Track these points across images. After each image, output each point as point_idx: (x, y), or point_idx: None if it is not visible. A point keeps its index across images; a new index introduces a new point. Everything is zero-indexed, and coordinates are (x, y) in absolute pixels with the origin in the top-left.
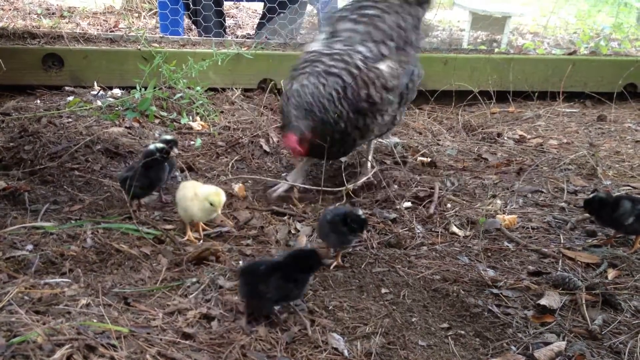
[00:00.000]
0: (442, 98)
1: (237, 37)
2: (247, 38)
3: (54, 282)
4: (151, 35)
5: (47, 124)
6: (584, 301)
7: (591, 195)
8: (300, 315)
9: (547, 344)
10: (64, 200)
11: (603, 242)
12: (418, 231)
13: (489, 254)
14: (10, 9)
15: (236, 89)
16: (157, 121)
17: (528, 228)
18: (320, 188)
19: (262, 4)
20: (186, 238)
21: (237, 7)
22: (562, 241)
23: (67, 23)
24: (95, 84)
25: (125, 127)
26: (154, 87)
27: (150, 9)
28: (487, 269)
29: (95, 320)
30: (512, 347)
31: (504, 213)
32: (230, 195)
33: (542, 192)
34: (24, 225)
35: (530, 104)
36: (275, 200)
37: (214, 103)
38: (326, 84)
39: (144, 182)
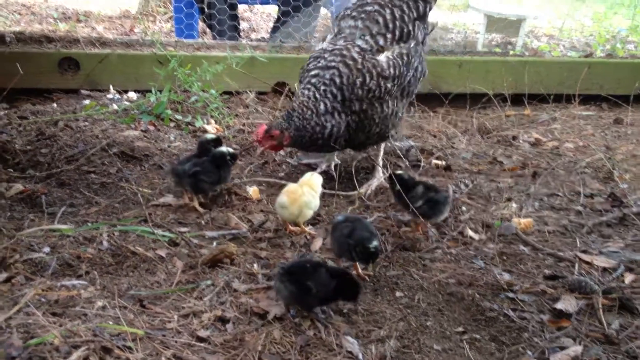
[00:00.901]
0: (456, 101)
1: (251, 41)
2: (262, 41)
3: (71, 284)
4: (166, 39)
5: (64, 128)
6: (600, 305)
7: (399, 172)
8: (315, 319)
9: (563, 348)
10: (81, 203)
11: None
12: (432, 235)
13: (505, 258)
14: (27, 13)
15: (250, 92)
16: (172, 124)
17: (544, 232)
18: (335, 192)
19: (276, 7)
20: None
21: (251, 11)
22: (578, 245)
23: (83, 27)
24: (111, 87)
25: (141, 131)
26: (169, 91)
27: (166, 13)
28: (503, 273)
29: (111, 323)
30: (528, 352)
31: (519, 216)
32: (244, 198)
33: (558, 195)
34: (41, 227)
35: (546, 107)
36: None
37: (228, 106)
38: (316, 95)
39: (214, 178)
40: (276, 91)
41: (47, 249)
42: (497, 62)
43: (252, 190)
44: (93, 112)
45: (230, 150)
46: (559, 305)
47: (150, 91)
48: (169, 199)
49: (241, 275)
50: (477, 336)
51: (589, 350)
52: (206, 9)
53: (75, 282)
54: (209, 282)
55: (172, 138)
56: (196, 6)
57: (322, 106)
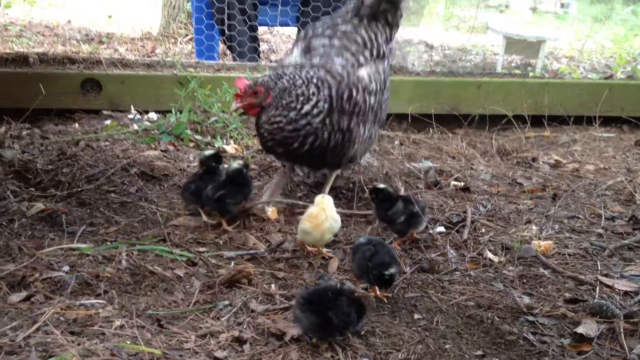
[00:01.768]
0: (475, 122)
1: (270, 62)
2: None
3: (89, 303)
4: (187, 60)
5: (85, 147)
6: (622, 330)
7: (380, 186)
8: (333, 341)
9: None
10: (100, 222)
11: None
12: (451, 256)
13: (524, 281)
14: (50, 35)
15: None
16: (191, 144)
17: (564, 254)
18: (352, 212)
19: (295, 29)
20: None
21: (271, 33)
22: (599, 268)
23: (105, 49)
24: (132, 108)
25: (161, 151)
26: (189, 111)
27: (186, 35)
28: (523, 296)
29: (128, 342)
30: None
31: (539, 239)
32: (262, 219)
33: (578, 218)
34: (60, 246)
35: (566, 129)
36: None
37: (247, 127)
38: (308, 75)
39: (239, 198)
40: None
41: (66, 268)
42: (517, 83)
43: (271, 211)
44: (114, 132)
45: (240, 162)
46: (580, 330)
47: (170, 112)
48: (187, 219)
49: (259, 296)
50: None
51: None
52: (227, 31)
53: (93, 301)
54: (226, 302)
55: (191, 158)
56: (217, 28)
57: (313, 88)
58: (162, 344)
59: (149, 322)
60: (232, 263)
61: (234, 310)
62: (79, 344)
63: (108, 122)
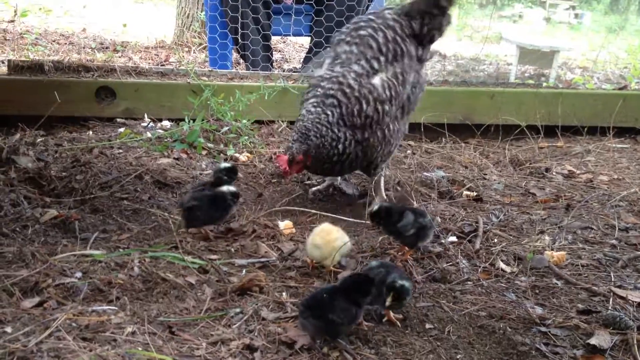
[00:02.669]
0: (488, 132)
1: (283, 71)
2: (294, 72)
3: (101, 309)
4: (200, 69)
5: (99, 155)
6: (635, 341)
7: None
8: (343, 349)
9: None
10: (113, 229)
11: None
12: (463, 266)
13: (537, 291)
14: (65, 43)
15: (282, 121)
16: (204, 152)
17: (577, 265)
18: (363, 221)
19: (308, 38)
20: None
21: (284, 42)
22: (612, 279)
23: (120, 57)
24: (146, 116)
25: (174, 158)
26: (202, 120)
27: (200, 44)
28: (535, 307)
29: (140, 348)
30: None
31: (552, 249)
32: (273, 229)
33: (592, 228)
34: (73, 253)
35: (580, 139)
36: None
37: (260, 135)
38: (325, 110)
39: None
40: None
41: (79, 274)
42: (530, 93)
43: (284, 225)
44: (127, 140)
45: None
46: (593, 341)
47: (183, 120)
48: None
49: (270, 304)
50: None
51: None
52: (240, 40)
53: (105, 307)
54: (237, 310)
55: (203, 166)
56: (230, 37)
57: (331, 118)
58: (173, 351)
59: (161, 329)
60: (244, 271)
61: (245, 318)
62: (90, 350)
63: (122, 129)
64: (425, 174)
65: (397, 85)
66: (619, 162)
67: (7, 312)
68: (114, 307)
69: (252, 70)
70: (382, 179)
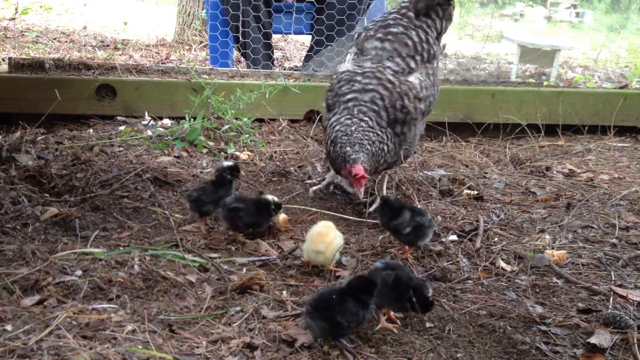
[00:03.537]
0: (489, 131)
1: (284, 69)
2: (295, 70)
3: (102, 307)
4: (201, 67)
5: (99, 153)
6: (635, 340)
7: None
8: (344, 348)
9: None
10: (113, 227)
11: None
12: (463, 265)
13: (537, 290)
14: (66, 41)
15: (283, 119)
16: (205, 151)
17: (578, 264)
18: (364, 220)
19: (309, 36)
20: None
21: (285, 40)
22: (613, 278)
23: (120, 55)
24: (146, 114)
25: (174, 157)
26: (203, 118)
27: (201, 42)
28: (535, 305)
29: (140, 347)
30: None
31: (552, 248)
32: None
33: (592, 227)
34: (74, 251)
35: (580, 138)
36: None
37: (260, 133)
38: (367, 120)
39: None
40: (308, 119)
41: (79, 272)
42: (531, 92)
43: (281, 219)
44: (128, 138)
45: (276, 199)
46: (593, 340)
47: (184, 118)
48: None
49: (270, 302)
50: None
51: None
52: (241, 38)
53: (106, 305)
54: (238, 308)
55: (204, 164)
56: (231, 35)
57: (376, 126)
58: (174, 349)
59: (161, 327)
60: (244, 269)
61: (246, 316)
62: (90, 348)
63: (122, 127)
64: (426, 172)
65: (430, 87)
66: (620, 161)
67: (7, 310)
68: (114, 305)
69: (253, 68)
70: (386, 177)
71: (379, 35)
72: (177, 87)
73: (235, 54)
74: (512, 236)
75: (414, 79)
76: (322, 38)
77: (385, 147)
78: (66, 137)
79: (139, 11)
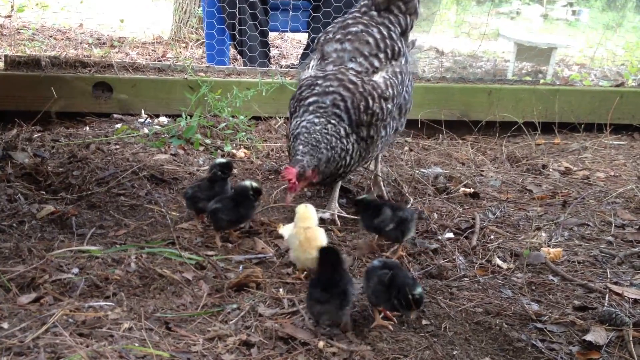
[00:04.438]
0: (485, 129)
1: (281, 67)
2: (291, 68)
3: (98, 305)
4: (198, 64)
5: (96, 151)
6: (631, 338)
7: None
8: (340, 345)
9: None
10: (110, 225)
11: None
12: (460, 262)
13: (533, 288)
14: (62, 39)
15: (279, 117)
16: (201, 148)
17: (574, 262)
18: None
19: (306, 34)
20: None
21: (281, 38)
22: (609, 276)
23: (117, 53)
24: (143, 111)
25: (171, 154)
26: (199, 116)
27: (198, 40)
28: (531, 303)
29: (137, 344)
30: None
31: (548, 246)
32: (271, 226)
33: (588, 225)
34: (70, 248)
35: (577, 136)
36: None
37: (257, 131)
38: (330, 120)
39: (233, 216)
40: None
41: (75, 270)
42: (527, 90)
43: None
44: (124, 136)
45: (255, 184)
46: (589, 337)
47: (180, 116)
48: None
49: (267, 300)
50: None
51: None
52: (238, 36)
53: (102, 303)
54: (234, 306)
55: (201, 162)
56: (228, 33)
57: (342, 131)
58: (170, 347)
59: (157, 325)
60: (241, 267)
61: (242, 314)
62: (87, 346)
63: (119, 125)
64: (422, 170)
65: (397, 85)
66: (616, 159)
67: (3, 308)
68: (110, 303)
69: (250, 66)
70: (380, 168)
71: (338, 36)
72: (173, 85)
73: (232, 51)
74: (508, 234)
75: (378, 77)
76: (319, 36)
77: (348, 157)
78: (62, 134)
79: (135, 9)
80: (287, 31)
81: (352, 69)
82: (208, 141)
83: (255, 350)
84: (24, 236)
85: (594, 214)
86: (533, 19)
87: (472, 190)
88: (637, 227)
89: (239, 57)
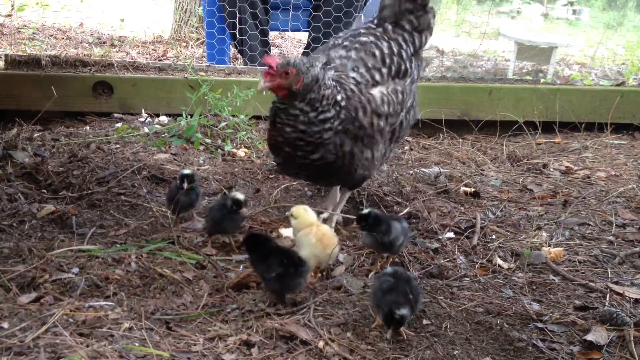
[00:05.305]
0: (486, 128)
1: None
2: None
3: (98, 305)
4: (198, 64)
5: (96, 150)
6: (632, 337)
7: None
8: (340, 345)
9: None
10: (110, 225)
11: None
12: (460, 262)
13: (534, 287)
14: (63, 38)
15: None
16: (202, 148)
17: (574, 261)
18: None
19: (306, 33)
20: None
21: (282, 37)
22: (609, 275)
23: (117, 52)
24: (143, 111)
25: (171, 154)
26: (200, 115)
27: (198, 39)
28: (532, 303)
29: (137, 344)
30: None
31: (549, 245)
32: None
33: (589, 225)
34: (70, 248)
35: (577, 135)
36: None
37: (257, 131)
38: (348, 79)
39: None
40: None
41: (76, 270)
42: (528, 89)
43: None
44: (125, 135)
45: (241, 197)
46: (590, 337)
47: (181, 115)
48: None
49: (267, 300)
50: None
51: None
52: (238, 35)
53: (102, 303)
54: (235, 305)
55: (201, 161)
56: (228, 32)
57: (339, 96)
58: (171, 347)
59: (158, 325)
60: (241, 266)
61: (242, 313)
62: (87, 346)
63: (119, 124)
64: (422, 169)
65: (396, 104)
66: (617, 158)
67: (3, 308)
68: (111, 303)
69: (250, 65)
70: (346, 196)
71: (346, 43)
72: (174, 84)
73: (232, 51)
74: (508, 233)
75: (376, 92)
76: (319, 35)
77: (331, 113)
78: (63, 134)
79: (135, 8)
80: (287, 30)
81: (353, 78)
82: (208, 140)
83: (255, 350)
84: (24, 236)
85: (594, 214)
86: (533, 18)
87: (472, 189)
88: (638, 226)
89: (239, 56)
